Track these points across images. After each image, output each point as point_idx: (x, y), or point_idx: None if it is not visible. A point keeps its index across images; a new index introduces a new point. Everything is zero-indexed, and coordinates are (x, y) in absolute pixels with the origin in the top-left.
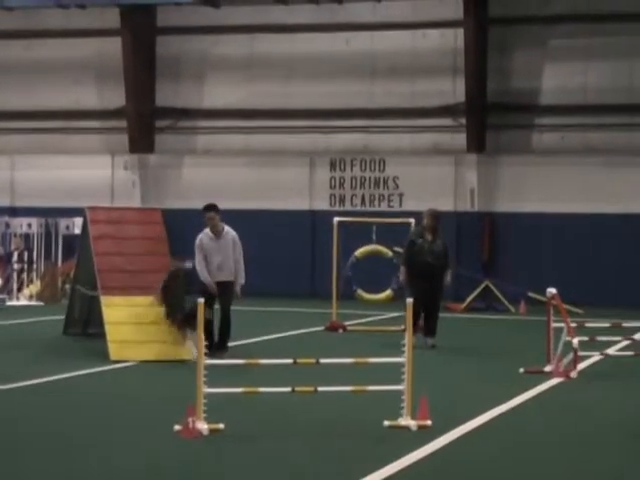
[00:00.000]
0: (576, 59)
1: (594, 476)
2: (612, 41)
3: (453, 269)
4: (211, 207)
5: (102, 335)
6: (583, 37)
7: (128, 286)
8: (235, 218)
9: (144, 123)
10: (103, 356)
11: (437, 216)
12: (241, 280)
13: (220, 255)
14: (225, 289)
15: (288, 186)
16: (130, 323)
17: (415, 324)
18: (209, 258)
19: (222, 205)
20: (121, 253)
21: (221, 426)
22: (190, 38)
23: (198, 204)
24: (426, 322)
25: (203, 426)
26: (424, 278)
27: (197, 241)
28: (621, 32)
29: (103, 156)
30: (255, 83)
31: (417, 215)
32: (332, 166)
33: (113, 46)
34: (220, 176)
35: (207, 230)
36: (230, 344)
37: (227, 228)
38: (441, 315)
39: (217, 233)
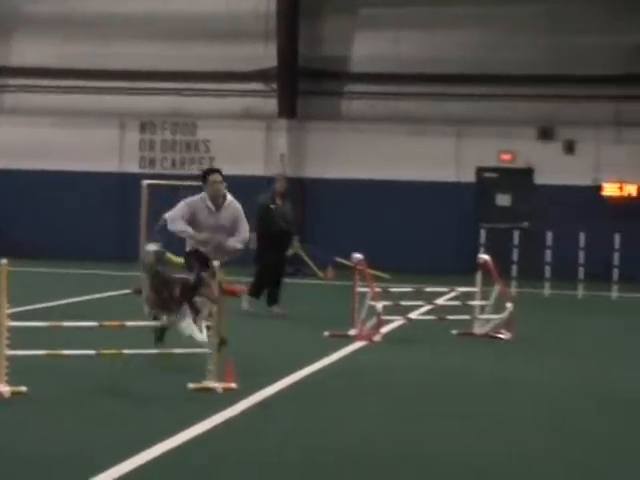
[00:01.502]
0: (386, 28)
1: (396, 437)
2: (422, 11)
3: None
4: (216, 170)
5: None
6: (394, 6)
7: None
8: (42, 179)
9: None
10: None
11: (287, 179)
12: (236, 244)
13: (216, 233)
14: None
15: (97, 148)
16: None
17: (260, 293)
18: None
19: (29, 166)
20: None
21: (24, 389)
22: None
23: (2, 164)
24: (273, 290)
25: (5, 388)
26: (278, 245)
27: (187, 200)
28: (431, 2)
29: None
30: (68, 42)
31: (227, 179)
32: (142, 128)
33: None
34: (28, 136)
35: (204, 195)
36: (31, 307)
37: (230, 197)
38: (248, 280)
39: (217, 204)
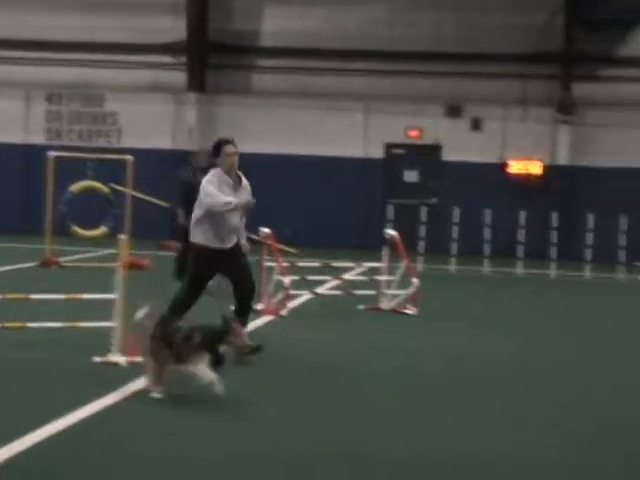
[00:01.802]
0: (295, 3)
1: (297, 418)
2: None
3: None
4: (230, 140)
5: None
6: None
7: None
8: None
9: None
10: None
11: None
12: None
13: (235, 214)
14: (235, 253)
15: (2, 119)
16: None
17: None
18: (220, 217)
19: None
20: None
21: None
22: None
23: None
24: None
25: None
26: None
27: (207, 178)
28: None
29: None
30: None
31: (135, 152)
32: (49, 99)
33: None
34: None
35: (219, 171)
36: None
37: (244, 178)
38: (153, 254)
39: (235, 179)
